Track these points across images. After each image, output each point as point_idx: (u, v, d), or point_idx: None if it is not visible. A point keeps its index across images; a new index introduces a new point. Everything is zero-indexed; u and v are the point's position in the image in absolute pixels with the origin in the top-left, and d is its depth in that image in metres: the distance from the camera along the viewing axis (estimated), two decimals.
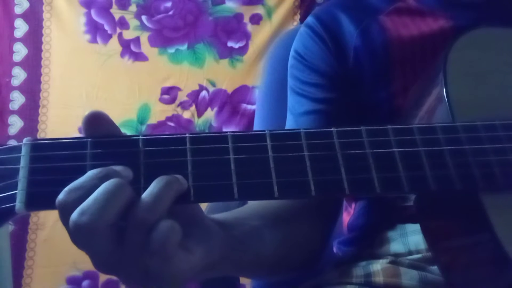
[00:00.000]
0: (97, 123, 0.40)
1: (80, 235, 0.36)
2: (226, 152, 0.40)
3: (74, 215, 0.36)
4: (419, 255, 0.61)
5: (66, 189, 0.37)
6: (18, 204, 0.37)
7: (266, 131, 0.42)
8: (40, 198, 0.37)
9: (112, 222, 0.36)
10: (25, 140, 0.39)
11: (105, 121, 0.40)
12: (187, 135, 0.41)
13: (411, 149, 0.43)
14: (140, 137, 0.40)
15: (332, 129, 0.43)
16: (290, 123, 0.71)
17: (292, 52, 0.75)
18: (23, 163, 0.38)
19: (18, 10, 1.72)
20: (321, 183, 0.41)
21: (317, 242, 0.64)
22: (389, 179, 0.42)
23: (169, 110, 1.76)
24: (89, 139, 0.40)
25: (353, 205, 0.74)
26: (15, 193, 0.37)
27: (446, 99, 0.49)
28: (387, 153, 0.43)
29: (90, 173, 0.37)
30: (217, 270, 0.45)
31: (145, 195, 0.37)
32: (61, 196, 0.36)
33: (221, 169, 0.40)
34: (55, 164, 0.38)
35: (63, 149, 0.39)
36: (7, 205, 0.37)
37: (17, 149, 0.39)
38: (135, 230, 0.37)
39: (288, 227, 0.58)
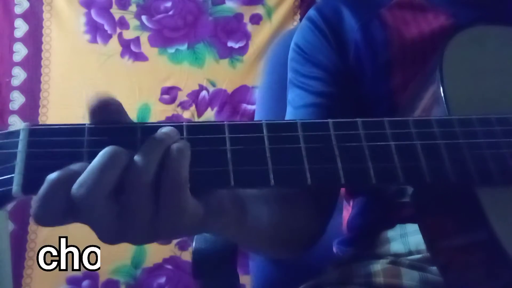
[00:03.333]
0: (106, 112, 0.39)
1: (80, 207, 0.36)
2: (223, 142, 0.41)
3: (73, 188, 0.36)
4: (419, 255, 0.61)
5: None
6: (15, 188, 0.37)
7: (263, 122, 0.42)
8: (37, 182, 0.37)
9: (109, 190, 0.36)
10: (23, 125, 0.39)
11: (115, 110, 0.39)
12: (184, 123, 0.41)
13: (406, 141, 0.44)
14: (139, 125, 0.40)
15: (329, 120, 0.43)
16: (289, 116, 0.70)
17: (292, 45, 0.74)
18: (21, 147, 0.38)
19: (18, 10, 1.72)
20: (316, 172, 0.41)
21: (312, 225, 0.64)
22: (384, 170, 0.42)
23: (169, 110, 1.76)
24: (87, 126, 0.40)
25: (351, 202, 0.74)
26: (12, 176, 0.37)
27: (442, 96, 0.49)
28: (383, 145, 0.43)
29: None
30: (220, 225, 0.45)
31: (137, 155, 0.37)
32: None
33: (218, 157, 0.40)
34: (53, 149, 0.38)
35: (61, 135, 0.39)
36: (4, 189, 0.37)
37: (15, 133, 0.39)
38: (135, 187, 0.37)
39: (285, 205, 0.58)
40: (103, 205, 0.36)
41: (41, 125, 0.40)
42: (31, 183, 0.37)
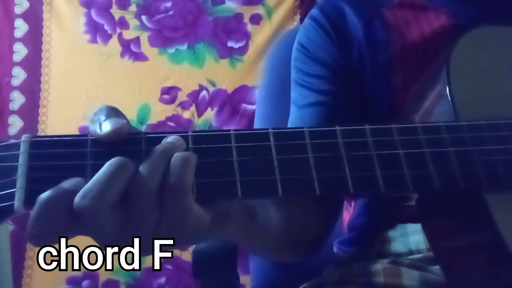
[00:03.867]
0: (120, 138, 0.39)
1: (83, 219, 0.36)
2: (229, 152, 0.40)
3: (76, 199, 0.35)
4: (419, 255, 0.61)
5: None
6: (17, 203, 0.36)
7: (270, 130, 0.42)
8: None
9: (114, 201, 0.36)
10: (23, 137, 0.38)
11: (126, 132, 0.39)
12: (189, 133, 0.40)
13: (415, 149, 0.43)
14: (143, 135, 0.40)
15: (336, 128, 0.43)
16: (293, 115, 0.70)
17: (295, 45, 0.74)
18: (22, 160, 0.37)
19: (18, 10, 1.72)
20: (325, 181, 0.40)
21: (318, 229, 0.64)
22: (393, 178, 0.42)
23: (169, 110, 1.76)
24: (90, 137, 0.39)
25: (352, 204, 0.74)
26: (14, 191, 0.36)
27: (449, 97, 0.49)
28: (391, 153, 0.43)
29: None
30: (227, 231, 0.44)
31: (143, 165, 0.37)
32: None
33: (224, 168, 0.40)
34: (55, 162, 0.38)
35: (62, 146, 0.38)
36: (6, 204, 0.36)
37: (16, 146, 0.38)
38: (139, 196, 0.36)
39: (291, 209, 0.58)
40: (107, 215, 0.36)
41: (42, 136, 0.39)
42: (33, 198, 0.36)
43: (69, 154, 0.38)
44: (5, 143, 0.38)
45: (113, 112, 0.39)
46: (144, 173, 0.36)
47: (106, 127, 0.38)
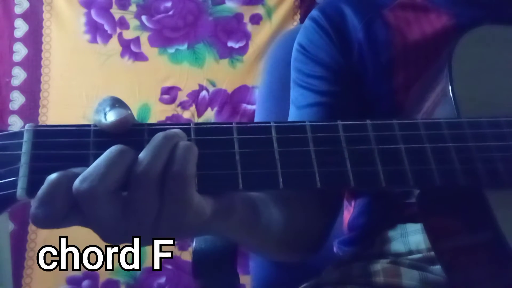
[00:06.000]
0: (125, 128, 0.39)
1: (82, 204, 0.36)
2: (231, 144, 0.40)
3: (75, 183, 0.35)
4: (419, 255, 0.61)
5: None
6: (19, 191, 0.36)
7: (272, 123, 0.42)
8: (42, 185, 0.36)
9: (114, 187, 0.36)
10: (27, 126, 0.38)
11: (131, 123, 0.39)
12: (192, 125, 0.41)
13: (416, 144, 0.43)
14: (146, 126, 0.40)
15: (338, 122, 0.43)
16: (293, 116, 0.71)
17: (295, 45, 0.75)
18: (25, 149, 0.37)
19: (18, 10, 1.72)
20: (326, 175, 0.41)
21: (318, 228, 0.64)
22: (394, 173, 0.42)
23: (169, 110, 1.76)
24: (93, 128, 0.39)
25: (353, 203, 0.74)
26: (16, 179, 0.36)
27: (451, 95, 0.49)
28: (392, 147, 0.43)
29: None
30: (229, 226, 0.44)
31: (144, 151, 0.37)
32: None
33: (226, 160, 0.40)
34: (58, 151, 0.38)
35: (66, 136, 0.39)
36: (8, 191, 0.36)
37: (19, 135, 0.38)
38: (140, 183, 0.36)
39: (292, 208, 0.58)
40: (107, 202, 0.36)
41: (45, 126, 0.39)
42: (35, 186, 0.36)
43: (72, 143, 0.38)
44: (8, 132, 0.38)
45: (117, 103, 0.39)
46: (146, 159, 0.36)
47: (111, 116, 0.38)
